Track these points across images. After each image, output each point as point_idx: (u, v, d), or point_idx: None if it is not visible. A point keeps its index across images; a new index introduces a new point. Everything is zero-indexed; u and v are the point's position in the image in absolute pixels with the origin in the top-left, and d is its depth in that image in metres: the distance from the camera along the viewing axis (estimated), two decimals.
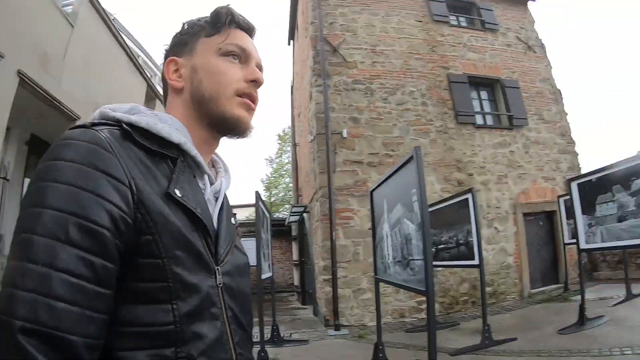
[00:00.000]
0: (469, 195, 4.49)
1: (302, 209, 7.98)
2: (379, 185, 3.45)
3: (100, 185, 0.39)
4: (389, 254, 3.25)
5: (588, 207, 4.27)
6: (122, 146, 0.44)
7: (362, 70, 6.41)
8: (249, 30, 0.59)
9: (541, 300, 6.42)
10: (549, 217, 6.99)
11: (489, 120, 7.13)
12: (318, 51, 6.32)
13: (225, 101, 0.53)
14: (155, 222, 0.42)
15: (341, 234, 5.66)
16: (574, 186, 4.35)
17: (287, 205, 17.95)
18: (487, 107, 7.22)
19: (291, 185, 12.94)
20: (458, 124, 6.50)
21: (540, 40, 8.04)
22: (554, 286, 6.85)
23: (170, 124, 0.51)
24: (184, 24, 0.59)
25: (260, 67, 0.59)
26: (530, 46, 7.74)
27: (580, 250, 4.37)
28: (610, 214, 4.04)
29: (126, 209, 0.40)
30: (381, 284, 3.44)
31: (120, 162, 0.42)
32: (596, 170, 4.05)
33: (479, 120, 6.93)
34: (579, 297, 6.15)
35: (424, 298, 4.94)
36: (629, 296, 5.33)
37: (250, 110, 0.56)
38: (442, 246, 5.05)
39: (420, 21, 7.06)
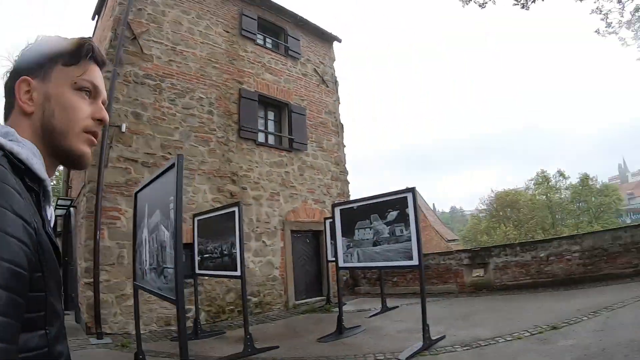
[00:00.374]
0: (235, 209, 5.99)
1: (69, 203, 9.31)
2: (143, 188, 4.29)
3: (19, 229, 0.59)
4: (146, 260, 4.10)
5: (348, 231, 6.46)
6: (15, 180, 0.64)
7: (156, 66, 8.30)
8: (102, 65, 0.87)
9: (305, 310, 9.16)
10: (316, 235, 10.72)
11: (271, 140, 10.44)
12: (117, 35, 7.75)
13: (73, 137, 0.79)
14: (46, 261, 0.66)
15: (106, 234, 7.00)
16: (337, 211, 6.68)
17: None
18: (271, 127, 10.56)
19: None
20: (240, 138, 9.35)
21: (335, 77, 12.35)
22: (317, 298, 10.18)
23: (39, 158, 0.74)
24: (39, 41, 0.82)
25: (104, 103, 0.86)
26: (325, 80, 11.88)
27: (339, 268, 6.68)
28: (367, 239, 6.20)
29: (33, 250, 0.62)
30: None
31: (25, 203, 0.63)
32: (358, 199, 6.58)
33: (261, 138, 10.05)
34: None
35: (190, 306, 7.66)
36: (384, 309, 8.00)
37: (93, 146, 0.84)
38: (207, 255, 6.65)
39: (228, 32, 9.82)
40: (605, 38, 8.04)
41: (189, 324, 7.31)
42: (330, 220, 7.47)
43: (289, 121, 10.78)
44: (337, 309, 8.42)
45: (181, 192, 3.29)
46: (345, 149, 12.38)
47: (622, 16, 7.72)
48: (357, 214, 6.44)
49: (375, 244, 6.14)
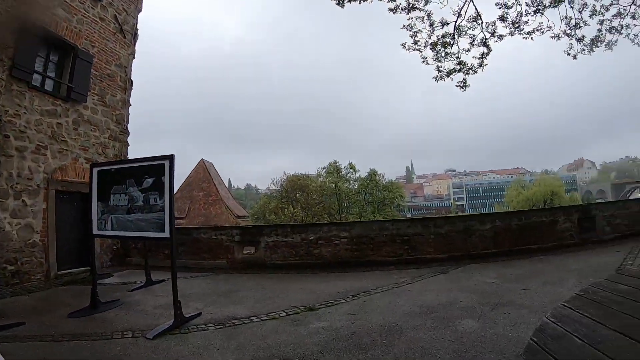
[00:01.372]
0: None
1: None
2: None
3: None
4: None
5: (104, 195, 6.75)
6: None
7: None
8: None
9: (66, 282, 9.43)
10: (85, 199, 10.26)
11: (48, 85, 10.36)
12: None
13: None
14: None
15: None
16: (95, 172, 6.91)
17: None
18: (50, 71, 10.48)
19: None
20: (11, 77, 9.06)
21: (137, 29, 12.82)
22: (83, 268, 10.46)
23: None
24: None
25: None
26: (124, 30, 12.29)
27: (92, 235, 6.97)
28: (122, 205, 6.52)
29: None
30: None
31: None
32: (116, 161, 7.24)
33: (36, 80, 9.90)
34: (105, 280, 9.63)
35: None
36: (148, 282, 8.66)
37: None
38: None
39: None
40: (410, 53, 10.14)
41: None
42: None
43: (72, 67, 10.85)
44: (103, 281, 9.22)
45: None
46: (130, 107, 13.05)
47: (430, 38, 9.86)
48: (114, 178, 6.77)
49: (129, 212, 6.46)
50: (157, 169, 6.22)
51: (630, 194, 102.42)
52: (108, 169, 7.07)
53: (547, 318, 3.68)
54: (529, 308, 5.56)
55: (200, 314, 6.24)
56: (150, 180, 6.27)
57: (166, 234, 6.06)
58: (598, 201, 64.62)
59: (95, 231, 6.95)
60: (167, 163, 6.13)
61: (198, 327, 5.66)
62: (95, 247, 9.94)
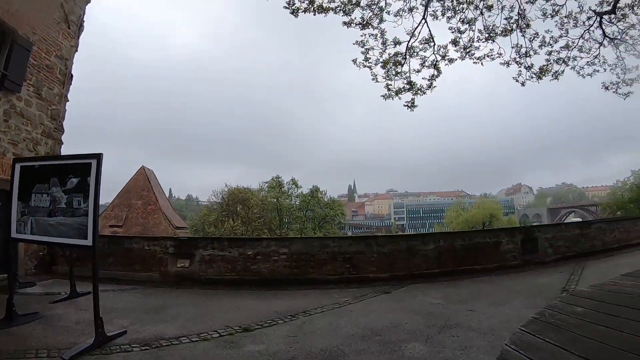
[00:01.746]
0: None
1: None
2: None
3: None
4: None
5: (25, 194, 6.17)
6: None
7: None
8: None
9: None
10: (10, 198, 11.10)
11: None
12: None
13: None
14: None
15: None
16: (17, 168, 6.35)
17: None
18: None
19: None
20: None
21: (83, 21, 12.21)
22: (4, 275, 9.15)
23: None
24: None
25: None
26: (69, 20, 11.61)
27: (11, 239, 6.36)
28: (43, 206, 5.96)
29: None
30: None
31: None
32: (41, 157, 6.68)
33: None
34: (27, 289, 8.94)
35: None
36: (73, 294, 8.15)
37: None
38: None
39: None
40: (360, 70, 10.18)
41: None
42: None
43: (9, 53, 10.06)
44: (25, 290, 8.73)
45: None
46: (68, 104, 12.34)
47: (381, 56, 9.96)
48: (37, 175, 6.25)
49: (50, 214, 5.94)
50: (83, 168, 5.71)
51: (565, 217, 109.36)
52: (31, 165, 6.51)
53: (507, 345, 3.51)
54: (477, 330, 5.53)
55: (125, 332, 5.77)
56: (75, 181, 5.77)
57: (89, 242, 5.54)
58: (534, 224, 67.90)
59: (14, 234, 6.32)
60: (94, 162, 5.64)
61: (121, 347, 5.22)
62: (20, 252, 9.63)
